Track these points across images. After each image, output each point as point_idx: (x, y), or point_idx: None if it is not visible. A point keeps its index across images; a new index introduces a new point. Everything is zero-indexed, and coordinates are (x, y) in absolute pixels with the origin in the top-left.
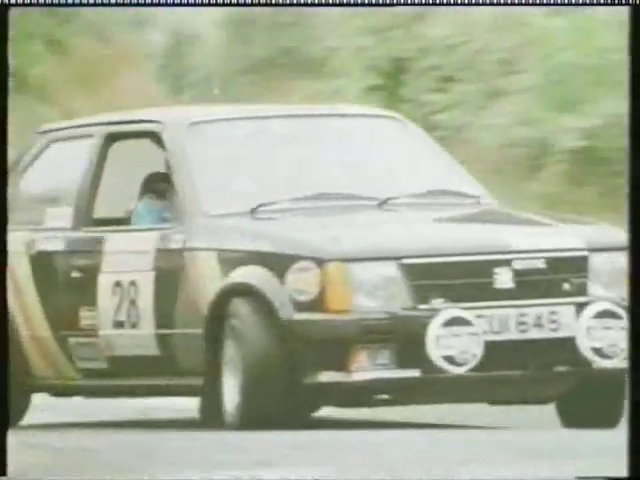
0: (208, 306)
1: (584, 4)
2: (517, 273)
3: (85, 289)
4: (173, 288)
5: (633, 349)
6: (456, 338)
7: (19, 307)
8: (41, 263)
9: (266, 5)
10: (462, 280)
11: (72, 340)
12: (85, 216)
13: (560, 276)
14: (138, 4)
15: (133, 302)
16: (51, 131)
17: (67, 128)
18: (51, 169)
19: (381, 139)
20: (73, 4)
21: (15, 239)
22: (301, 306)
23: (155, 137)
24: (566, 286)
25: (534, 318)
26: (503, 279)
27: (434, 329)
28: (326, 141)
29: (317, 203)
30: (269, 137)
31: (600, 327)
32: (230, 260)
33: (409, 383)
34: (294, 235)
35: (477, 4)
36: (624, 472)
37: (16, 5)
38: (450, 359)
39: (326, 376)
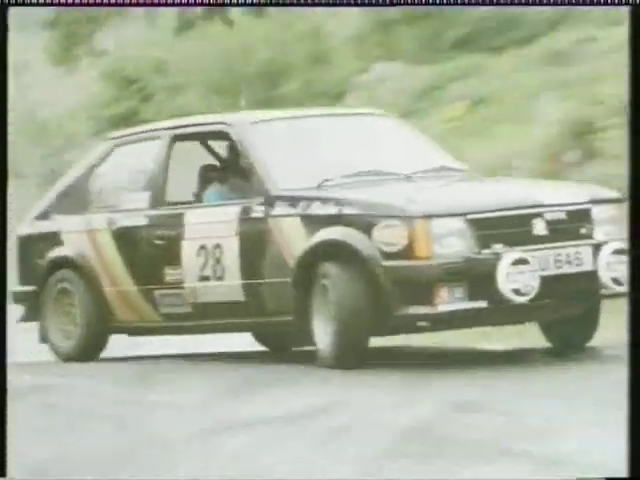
0: (297, 260)
1: (584, 4)
2: (548, 223)
3: (168, 252)
4: (258, 247)
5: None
6: (520, 274)
7: (103, 270)
8: (123, 235)
9: (266, 5)
10: (510, 229)
11: (157, 292)
12: (160, 198)
13: (576, 224)
14: (138, 4)
15: (218, 260)
16: (117, 137)
17: (133, 134)
18: (121, 165)
19: (386, 130)
20: (73, 4)
21: (96, 220)
22: (389, 255)
23: (221, 135)
24: (582, 231)
25: (565, 257)
26: (539, 227)
27: (504, 267)
28: (351, 133)
29: (361, 178)
30: (311, 131)
31: (616, 261)
32: (314, 223)
33: (478, 312)
34: (376, 199)
35: (478, 4)
36: (624, 472)
37: (16, 5)
38: (517, 291)
39: (415, 309)
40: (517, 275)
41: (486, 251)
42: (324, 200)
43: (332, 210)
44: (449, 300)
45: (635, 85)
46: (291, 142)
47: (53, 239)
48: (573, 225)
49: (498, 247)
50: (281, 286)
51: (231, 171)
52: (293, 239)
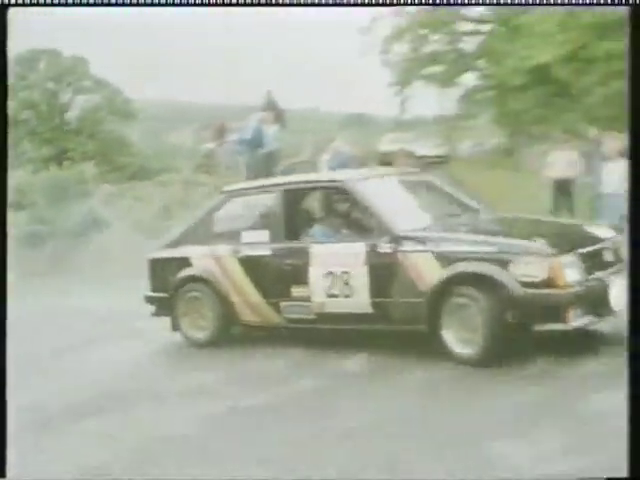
0: (434, 285)
1: (584, 4)
2: (611, 252)
3: (295, 275)
4: (387, 274)
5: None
6: (622, 294)
7: (230, 285)
8: (249, 262)
9: (267, 5)
10: (596, 259)
11: (283, 304)
12: (278, 235)
13: (613, 251)
14: (139, 4)
15: (346, 283)
16: (229, 191)
17: (245, 188)
18: (235, 211)
19: (431, 184)
20: (73, 4)
21: (220, 249)
22: (528, 285)
23: (337, 189)
24: (615, 257)
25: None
26: (607, 256)
27: (616, 291)
28: (409, 187)
29: (444, 222)
30: (392, 185)
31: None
32: (447, 258)
33: (591, 322)
34: (510, 242)
35: (477, 4)
36: (624, 472)
37: (16, 5)
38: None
39: (551, 326)
40: (622, 295)
41: (591, 277)
42: (456, 241)
43: (469, 248)
44: (575, 318)
45: (635, 86)
46: (387, 193)
47: (183, 262)
48: (612, 252)
49: (600, 274)
50: (411, 303)
51: (329, 213)
52: (427, 270)
